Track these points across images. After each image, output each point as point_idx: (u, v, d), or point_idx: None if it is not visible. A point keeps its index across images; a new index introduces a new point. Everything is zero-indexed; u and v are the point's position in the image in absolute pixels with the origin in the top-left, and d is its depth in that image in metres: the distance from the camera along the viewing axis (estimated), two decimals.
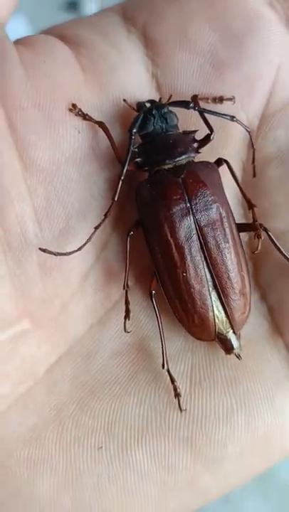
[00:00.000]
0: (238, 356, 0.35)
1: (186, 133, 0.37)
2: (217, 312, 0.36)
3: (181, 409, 0.34)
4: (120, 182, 0.34)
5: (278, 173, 0.38)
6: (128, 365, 0.36)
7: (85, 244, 0.35)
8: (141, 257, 0.37)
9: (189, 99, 0.37)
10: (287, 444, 0.35)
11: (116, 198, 0.35)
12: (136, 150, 0.37)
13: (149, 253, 0.36)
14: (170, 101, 0.37)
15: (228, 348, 0.36)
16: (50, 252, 0.34)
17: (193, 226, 0.35)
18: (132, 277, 0.37)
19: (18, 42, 0.38)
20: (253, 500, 0.94)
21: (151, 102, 0.37)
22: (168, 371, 0.35)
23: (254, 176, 0.37)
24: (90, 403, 0.35)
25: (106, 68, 0.37)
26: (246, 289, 0.36)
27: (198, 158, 0.37)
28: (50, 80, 0.36)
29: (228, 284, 0.35)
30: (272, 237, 0.36)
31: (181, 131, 0.37)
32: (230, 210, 0.36)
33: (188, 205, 0.35)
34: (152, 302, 0.36)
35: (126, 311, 0.36)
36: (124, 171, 0.35)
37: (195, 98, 0.37)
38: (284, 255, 0.36)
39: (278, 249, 0.36)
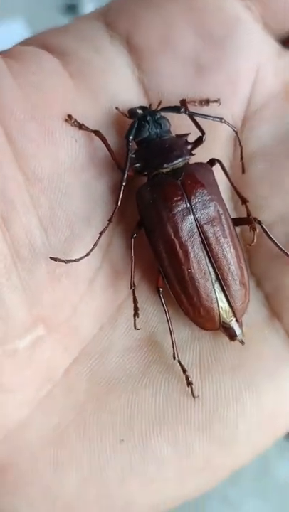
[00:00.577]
0: (242, 342, 0.37)
1: (179, 136, 0.39)
2: (221, 303, 0.38)
3: (194, 396, 0.36)
4: (122, 187, 0.36)
5: (262, 168, 0.40)
6: (140, 360, 0.38)
7: (92, 249, 0.36)
8: (144, 255, 0.38)
9: (177, 103, 0.38)
10: None
11: (119, 203, 0.36)
12: (133, 156, 0.38)
13: (153, 252, 0.38)
14: (161, 107, 0.38)
15: (232, 335, 0.38)
16: (60, 260, 0.35)
17: (194, 224, 0.37)
18: (137, 276, 0.39)
19: (3, 55, 0.38)
20: (252, 500, 0.93)
21: (143, 108, 0.38)
22: (179, 362, 0.37)
23: (243, 172, 0.40)
24: (107, 399, 0.36)
25: (94, 73, 0.38)
26: (245, 279, 0.38)
27: (192, 159, 0.39)
28: (42, 91, 0.36)
29: (230, 276, 0.37)
30: (266, 229, 0.38)
31: (174, 135, 0.39)
32: (226, 207, 0.38)
33: (189, 205, 0.37)
34: (160, 298, 0.37)
35: (134, 309, 0.38)
36: (125, 176, 0.36)
37: (184, 102, 0.38)
38: (277, 246, 0.38)
39: (272, 240, 0.38)
